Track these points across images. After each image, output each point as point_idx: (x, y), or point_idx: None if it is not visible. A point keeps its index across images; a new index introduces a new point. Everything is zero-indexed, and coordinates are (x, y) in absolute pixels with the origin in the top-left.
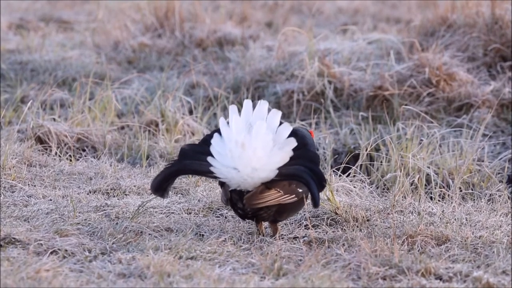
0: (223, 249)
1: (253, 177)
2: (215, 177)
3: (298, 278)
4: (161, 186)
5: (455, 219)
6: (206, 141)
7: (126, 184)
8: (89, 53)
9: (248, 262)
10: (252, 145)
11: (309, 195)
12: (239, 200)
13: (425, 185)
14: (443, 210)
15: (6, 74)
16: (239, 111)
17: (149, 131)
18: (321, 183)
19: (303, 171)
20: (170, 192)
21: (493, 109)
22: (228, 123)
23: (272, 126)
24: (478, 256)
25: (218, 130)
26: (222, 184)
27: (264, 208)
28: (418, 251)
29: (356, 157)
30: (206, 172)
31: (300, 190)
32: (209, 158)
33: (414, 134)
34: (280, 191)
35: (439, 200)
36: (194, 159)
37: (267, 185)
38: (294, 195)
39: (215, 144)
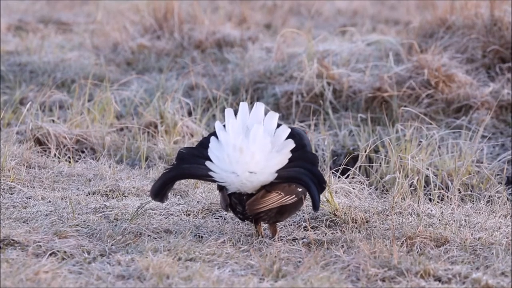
0: (222, 250)
1: (252, 181)
2: (214, 181)
3: (297, 279)
4: (160, 192)
5: (454, 221)
6: (203, 144)
7: (125, 186)
8: (88, 55)
9: (247, 264)
10: (250, 149)
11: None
12: (239, 204)
13: (424, 186)
14: (442, 212)
15: (5, 76)
16: (236, 114)
17: (148, 132)
18: (321, 185)
19: (303, 173)
20: (169, 194)
21: (492, 111)
22: (224, 126)
23: (270, 129)
24: (477, 257)
25: (214, 133)
26: (221, 188)
27: (265, 211)
28: (417, 252)
29: (355, 159)
30: (204, 176)
31: (300, 190)
32: (207, 163)
33: (413, 135)
34: (281, 193)
35: (438, 202)
36: (192, 163)
37: (267, 188)
38: (294, 195)
39: (213, 148)
